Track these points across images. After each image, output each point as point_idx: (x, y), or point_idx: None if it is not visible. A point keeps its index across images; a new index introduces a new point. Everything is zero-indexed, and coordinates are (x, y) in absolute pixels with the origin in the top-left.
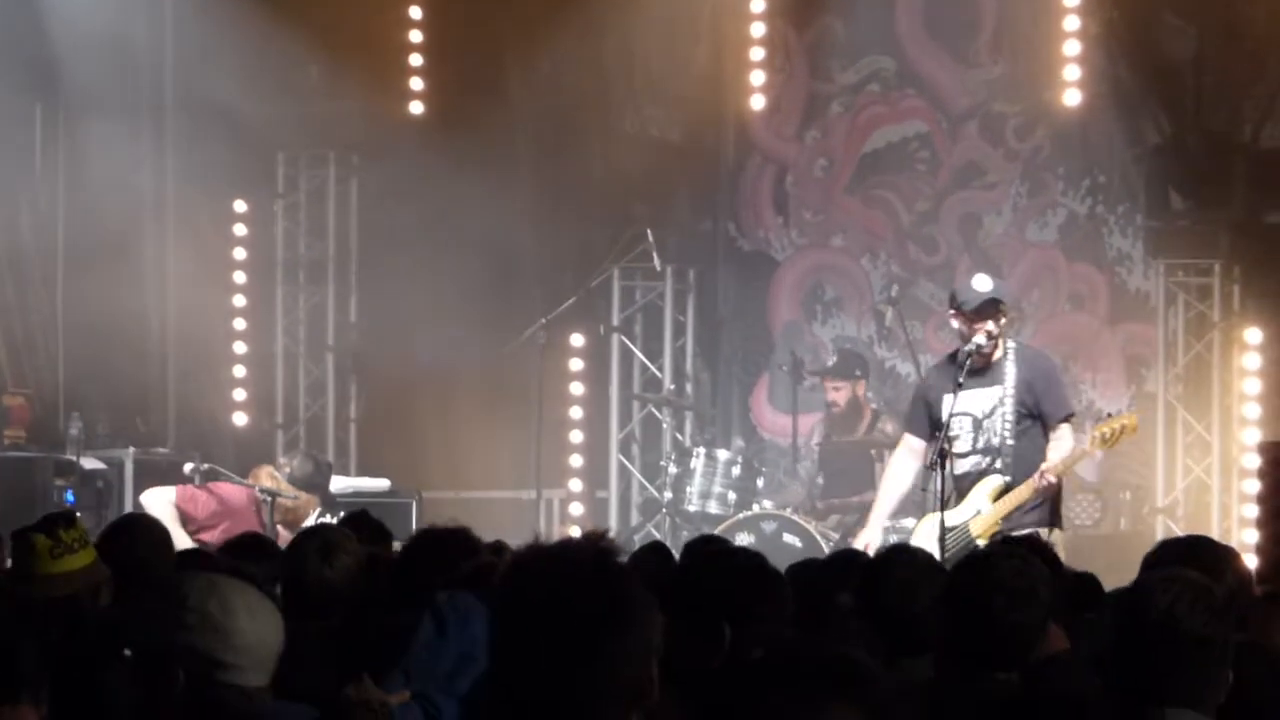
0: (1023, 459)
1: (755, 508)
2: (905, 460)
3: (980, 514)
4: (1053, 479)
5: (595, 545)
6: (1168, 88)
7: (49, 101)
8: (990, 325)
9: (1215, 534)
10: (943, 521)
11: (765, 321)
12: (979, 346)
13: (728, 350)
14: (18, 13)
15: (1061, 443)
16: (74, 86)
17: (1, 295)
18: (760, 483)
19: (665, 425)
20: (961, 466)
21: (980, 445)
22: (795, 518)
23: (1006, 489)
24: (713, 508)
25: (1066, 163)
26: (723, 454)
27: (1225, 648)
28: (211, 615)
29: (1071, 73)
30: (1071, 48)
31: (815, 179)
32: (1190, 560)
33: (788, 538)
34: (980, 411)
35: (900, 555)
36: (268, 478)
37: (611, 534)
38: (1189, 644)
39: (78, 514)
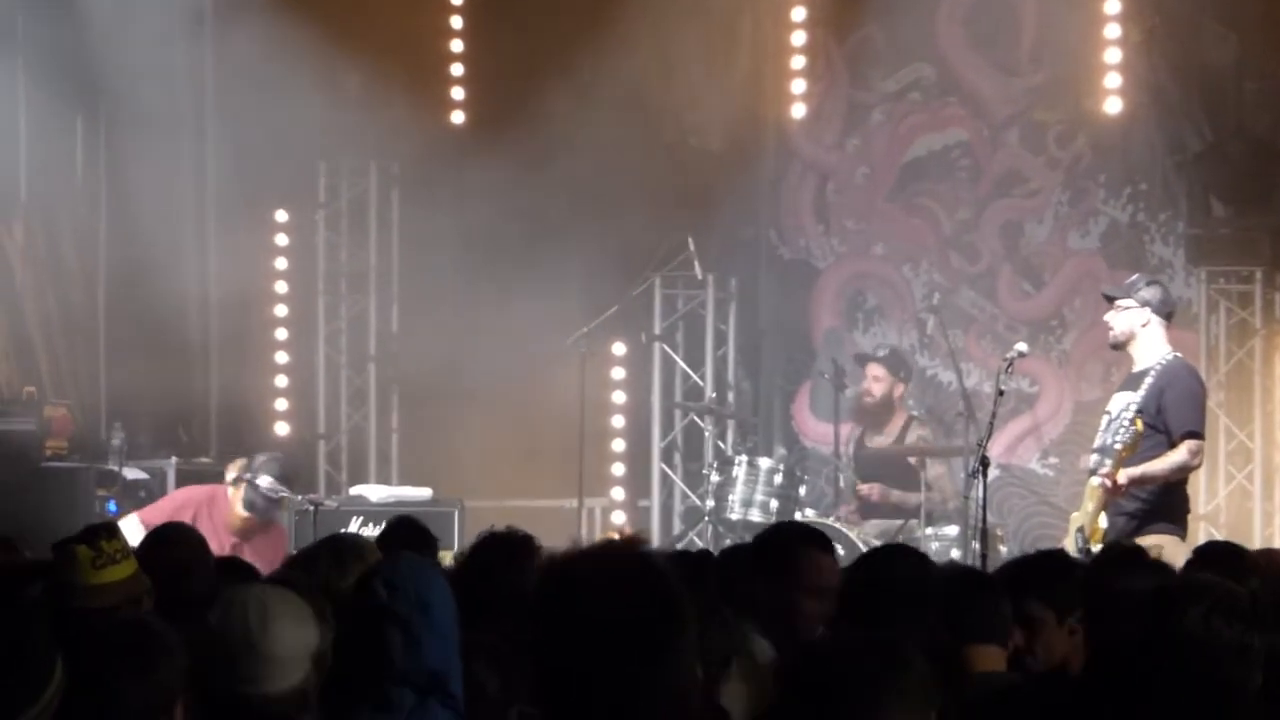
0: (1127, 465)
1: (797, 516)
2: None
3: (1087, 514)
4: (1108, 483)
5: (639, 551)
6: (1209, 95)
7: (90, 113)
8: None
9: (1257, 541)
10: (983, 528)
11: (807, 330)
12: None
13: (769, 358)
14: (58, 25)
15: (1167, 457)
16: (115, 98)
17: (43, 306)
18: (802, 491)
19: (707, 433)
20: (1088, 461)
21: (1099, 444)
22: (838, 525)
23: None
24: (755, 516)
25: (1108, 170)
26: (765, 462)
27: (1257, 652)
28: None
29: (1113, 80)
30: (1113, 55)
31: (856, 187)
32: (1221, 567)
33: None
34: (1115, 412)
35: None
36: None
37: (645, 538)
38: (1228, 654)
39: (119, 524)
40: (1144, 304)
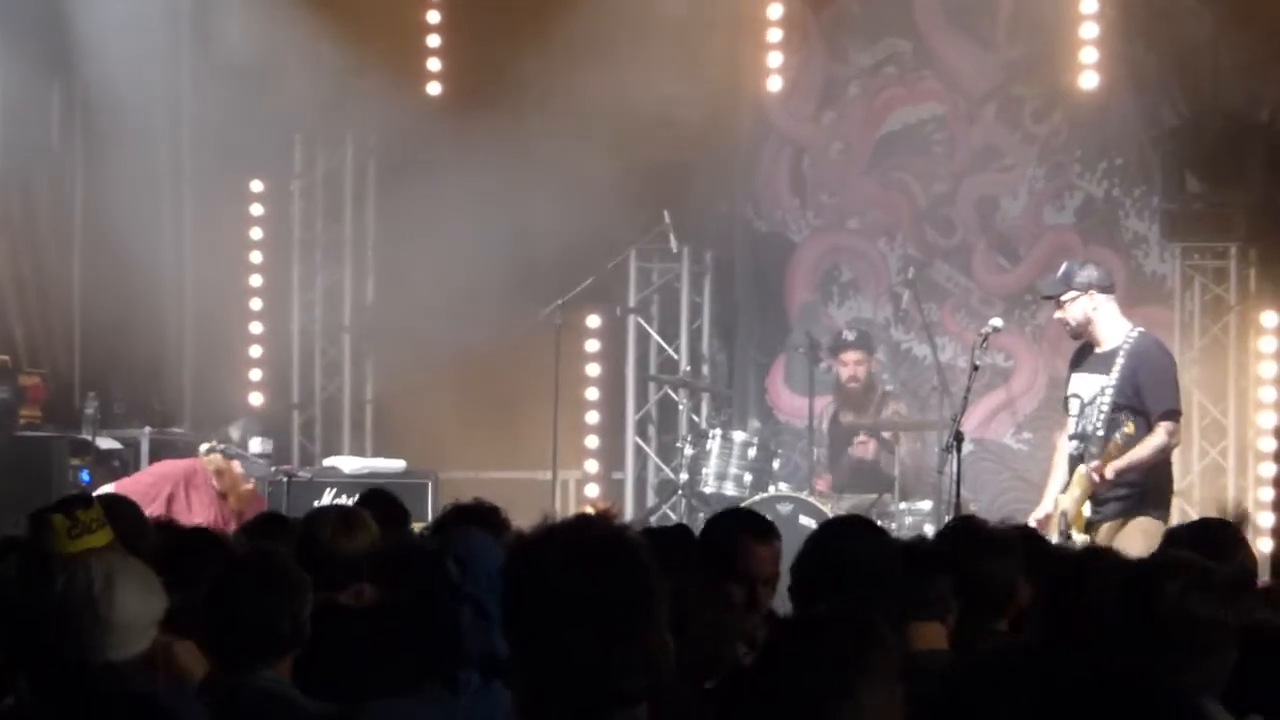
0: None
1: (771, 489)
2: (1063, 436)
3: (1074, 501)
4: (1096, 478)
5: (609, 526)
6: (1185, 70)
7: (66, 81)
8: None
9: (1231, 517)
10: (957, 502)
11: (782, 303)
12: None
13: (744, 332)
14: None
15: (1148, 442)
16: (91, 66)
17: (18, 275)
18: (776, 464)
19: (681, 407)
20: (1067, 449)
21: (1077, 430)
22: (811, 499)
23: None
24: (729, 489)
25: (1083, 145)
26: (739, 435)
27: (1232, 629)
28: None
29: (1089, 55)
30: (1089, 30)
31: (832, 161)
32: (1199, 544)
33: (804, 520)
34: (1087, 396)
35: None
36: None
37: (616, 510)
38: (1201, 631)
39: (94, 495)
40: (1087, 289)
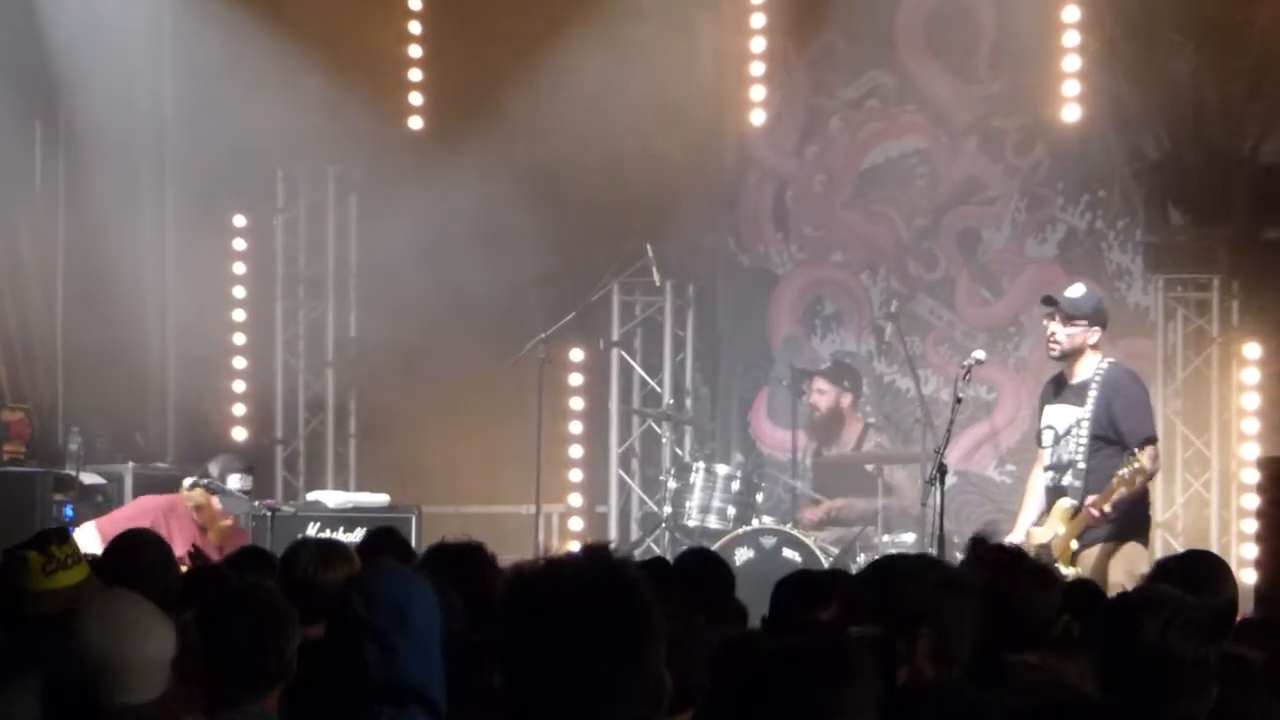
0: (1094, 481)
1: (755, 523)
2: (1037, 469)
3: (1058, 536)
4: (1095, 513)
5: (610, 559)
6: (1167, 103)
7: (48, 117)
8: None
9: (1214, 549)
10: (941, 535)
11: (765, 336)
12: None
13: (727, 365)
14: (16, 31)
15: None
16: (73, 103)
17: (0, 310)
18: (759, 497)
19: (665, 440)
20: (1044, 481)
21: (1053, 461)
22: (794, 532)
23: (1076, 512)
24: (712, 522)
25: (1066, 178)
26: (722, 469)
27: (1212, 666)
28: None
29: (1071, 88)
30: (1071, 63)
31: (815, 194)
32: (1188, 575)
33: (787, 552)
34: (1062, 428)
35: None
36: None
37: (612, 545)
38: (1181, 668)
39: (70, 529)
40: (1097, 323)
